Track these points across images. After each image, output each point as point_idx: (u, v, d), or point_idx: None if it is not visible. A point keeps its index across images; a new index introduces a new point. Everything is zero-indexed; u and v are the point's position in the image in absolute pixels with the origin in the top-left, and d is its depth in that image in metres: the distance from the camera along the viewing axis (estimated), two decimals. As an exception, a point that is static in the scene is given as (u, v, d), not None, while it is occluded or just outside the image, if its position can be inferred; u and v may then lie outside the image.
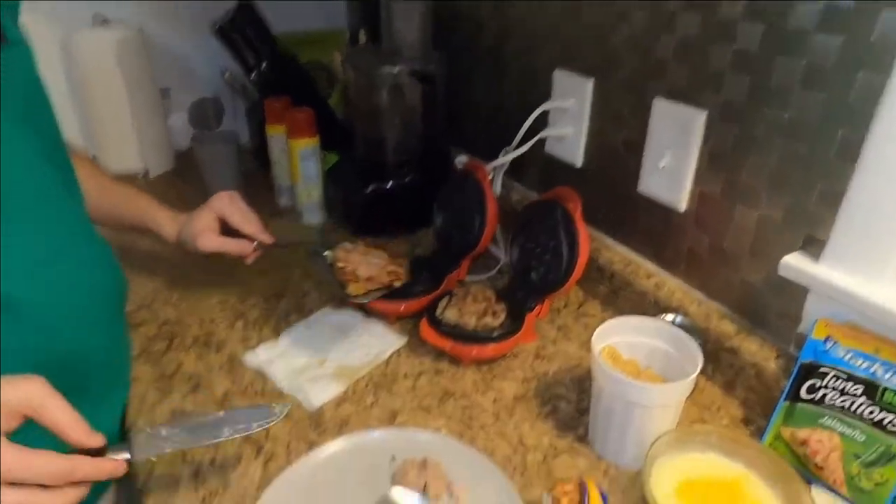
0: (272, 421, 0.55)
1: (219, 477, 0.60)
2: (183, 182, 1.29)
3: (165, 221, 0.83)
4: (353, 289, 0.64)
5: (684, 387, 0.58)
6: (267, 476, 0.60)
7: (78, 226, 0.62)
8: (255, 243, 0.82)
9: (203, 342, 0.79)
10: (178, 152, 1.39)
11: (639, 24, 0.76)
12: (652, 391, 0.58)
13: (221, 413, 0.56)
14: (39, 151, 0.57)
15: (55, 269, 0.56)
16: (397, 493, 0.57)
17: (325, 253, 0.75)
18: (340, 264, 0.68)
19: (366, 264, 0.71)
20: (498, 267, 0.99)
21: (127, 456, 0.50)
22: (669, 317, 0.73)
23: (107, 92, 1.22)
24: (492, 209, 0.87)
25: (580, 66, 0.87)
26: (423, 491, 0.58)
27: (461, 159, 1.00)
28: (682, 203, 0.75)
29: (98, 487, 0.67)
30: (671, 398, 0.59)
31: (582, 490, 0.53)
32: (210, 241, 0.80)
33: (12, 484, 0.43)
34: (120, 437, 0.66)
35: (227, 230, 0.82)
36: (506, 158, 0.96)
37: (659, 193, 0.78)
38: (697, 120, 0.71)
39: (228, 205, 0.83)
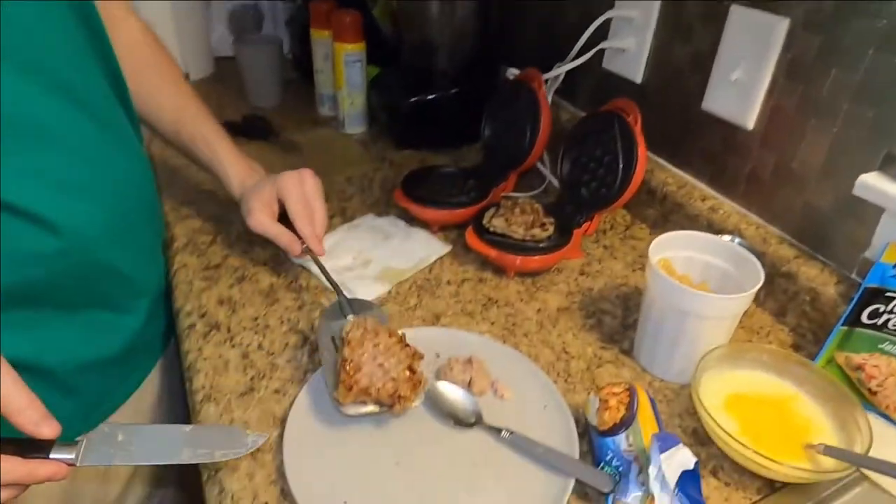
0: (240, 452, 0.47)
1: (266, 360, 0.61)
2: (223, 87, 1.27)
3: (234, 180, 0.74)
4: (341, 394, 0.50)
5: (743, 299, 0.56)
6: (313, 364, 0.61)
7: (119, 150, 0.60)
8: (305, 246, 0.69)
9: (247, 239, 0.79)
10: (217, 58, 1.36)
11: (722, -78, 0.70)
12: (709, 301, 0.56)
13: (188, 428, 0.48)
14: (87, 78, 0.56)
15: (91, 192, 0.55)
16: (443, 386, 0.58)
17: (349, 317, 0.59)
18: (346, 353, 0.52)
19: (374, 367, 0.51)
20: (544, 186, 0.96)
21: (72, 458, 0.44)
22: (726, 238, 0.71)
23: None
24: (545, 120, 0.84)
25: (650, -28, 0.81)
26: (468, 386, 0.58)
27: (512, 71, 0.96)
28: (750, 120, 0.71)
29: (144, 366, 0.68)
30: (728, 310, 0.57)
31: (631, 393, 0.53)
32: (259, 223, 0.69)
33: None
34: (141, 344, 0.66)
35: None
36: (560, 71, 0.92)
37: (725, 110, 0.74)
38: (779, 28, 0.66)
39: (295, 185, 0.70)
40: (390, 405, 0.51)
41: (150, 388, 0.70)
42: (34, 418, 0.42)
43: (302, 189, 0.70)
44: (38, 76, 0.50)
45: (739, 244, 0.67)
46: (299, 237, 0.68)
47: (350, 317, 0.58)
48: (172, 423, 0.75)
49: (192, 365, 0.61)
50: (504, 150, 0.89)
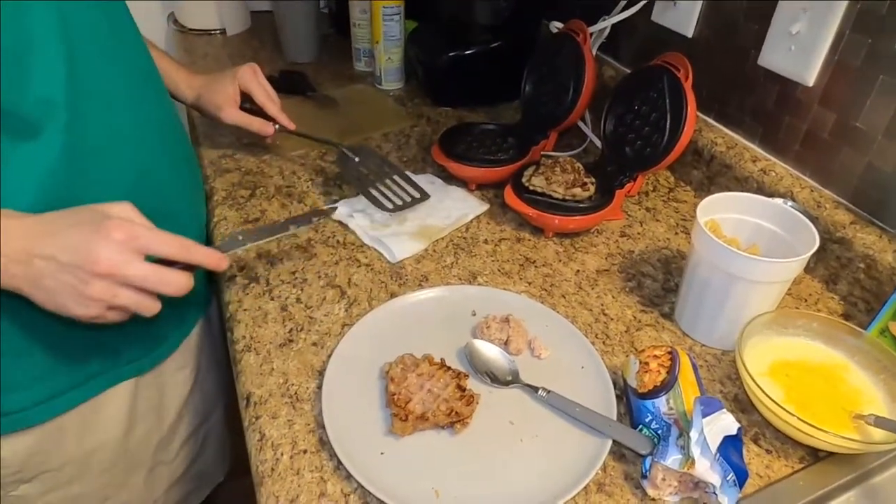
0: (327, 214, 0.66)
1: (304, 314, 0.62)
2: (259, 42, 1.26)
3: (182, 82, 0.79)
4: (398, 427, 0.49)
5: (795, 265, 0.54)
6: (350, 318, 0.61)
7: (158, 96, 0.63)
8: (277, 126, 0.81)
9: (285, 193, 0.80)
10: (253, 13, 1.35)
11: None
12: (759, 265, 0.54)
13: (282, 220, 0.62)
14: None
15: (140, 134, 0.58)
16: (479, 344, 0.57)
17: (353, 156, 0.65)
18: (392, 388, 0.51)
19: (424, 393, 0.51)
20: (584, 145, 0.94)
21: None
22: (778, 201, 0.68)
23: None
24: (589, 76, 0.81)
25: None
26: (505, 345, 0.58)
27: (556, 24, 0.92)
28: (810, 76, 0.67)
29: (193, 313, 0.70)
30: (779, 276, 0.55)
31: (673, 356, 0.52)
32: (234, 114, 0.79)
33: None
34: None
35: (245, 105, 0.81)
36: (606, 24, 0.88)
37: (783, 66, 0.70)
38: (848, -25, 0.61)
39: (252, 79, 0.80)
40: (450, 424, 0.50)
41: (193, 335, 0.73)
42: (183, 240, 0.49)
43: (258, 79, 0.80)
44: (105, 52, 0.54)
45: (792, 207, 0.64)
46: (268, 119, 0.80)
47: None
48: (213, 367, 0.79)
49: (232, 316, 0.62)
50: (545, 106, 0.86)
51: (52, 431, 0.58)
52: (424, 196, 0.76)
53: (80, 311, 0.46)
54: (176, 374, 0.71)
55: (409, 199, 0.76)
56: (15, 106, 0.47)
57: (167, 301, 0.49)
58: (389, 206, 0.74)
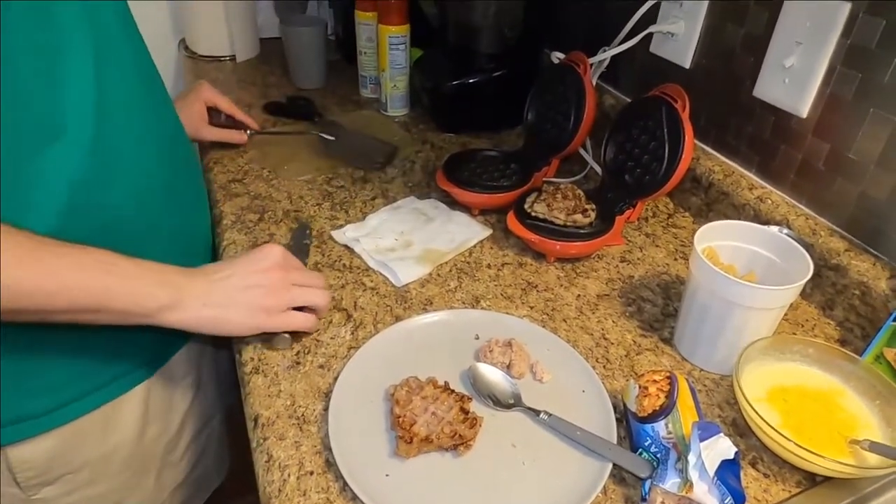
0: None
1: (311, 336, 0.63)
2: (268, 68, 1.29)
3: None
4: (402, 449, 0.50)
5: (791, 291, 0.55)
6: (356, 341, 0.63)
7: (165, 107, 0.66)
8: (249, 131, 0.94)
9: (293, 217, 0.81)
10: (263, 39, 1.38)
11: None
12: (756, 292, 0.55)
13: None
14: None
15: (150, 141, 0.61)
16: (482, 367, 0.58)
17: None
18: (397, 410, 0.52)
19: (428, 416, 0.52)
20: (585, 172, 0.96)
21: None
22: (773, 229, 0.69)
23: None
24: (590, 105, 0.83)
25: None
26: (507, 369, 0.59)
27: (557, 55, 0.95)
28: (804, 107, 0.69)
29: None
30: (775, 302, 0.57)
31: (671, 381, 0.53)
32: (211, 132, 0.90)
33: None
34: None
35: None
36: (606, 55, 0.91)
37: (778, 97, 0.72)
38: (839, 13, 0.64)
39: (215, 93, 0.90)
40: (454, 447, 0.51)
41: (194, 346, 0.76)
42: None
43: (216, 93, 0.91)
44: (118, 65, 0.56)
45: (787, 235, 0.66)
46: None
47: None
48: (213, 378, 0.82)
49: (241, 338, 0.63)
50: (547, 134, 0.89)
51: (74, 433, 0.60)
52: (391, 147, 0.97)
53: (269, 320, 0.57)
54: (182, 380, 0.74)
55: (382, 158, 0.94)
56: (49, 105, 0.49)
57: None
58: (377, 165, 0.93)
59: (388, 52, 1.04)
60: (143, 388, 0.66)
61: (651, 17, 0.87)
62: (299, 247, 0.75)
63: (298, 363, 0.60)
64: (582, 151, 0.96)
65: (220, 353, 0.84)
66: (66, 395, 0.59)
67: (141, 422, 0.67)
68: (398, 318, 0.66)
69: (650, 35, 0.87)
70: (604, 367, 0.62)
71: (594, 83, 0.96)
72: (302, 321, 0.60)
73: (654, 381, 0.53)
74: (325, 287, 0.62)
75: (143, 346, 0.65)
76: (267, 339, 0.61)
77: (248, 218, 0.81)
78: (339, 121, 1.06)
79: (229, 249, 0.75)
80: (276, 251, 0.60)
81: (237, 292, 0.56)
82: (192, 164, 0.72)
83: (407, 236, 0.77)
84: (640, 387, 0.54)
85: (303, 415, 0.55)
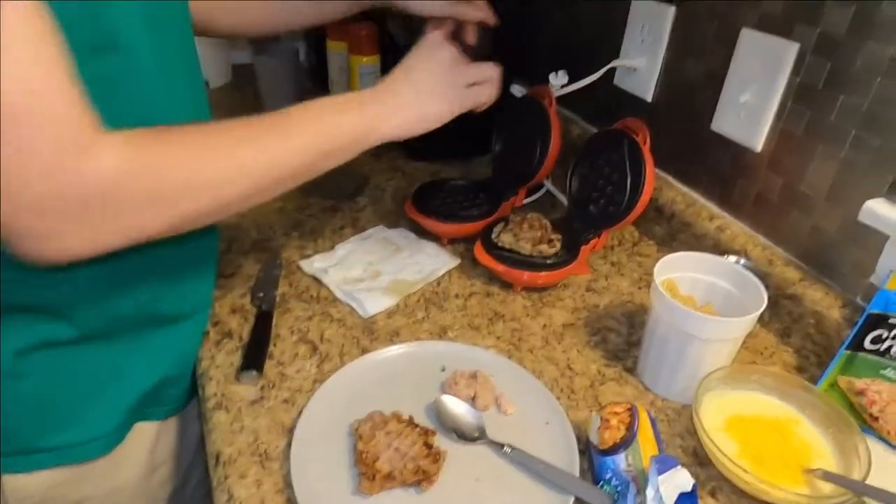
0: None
1: (276, 370, 0.63)
2: (240, 95, 1.30)
3: None
4: (365, 486, 0.49)
5: (745, 323, 0.57)
6: (321, 374, 0.63)
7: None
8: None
9: (261, 247, 0.81)
10: (235, 66, 1.39)
11: (734, -54, 0.71)
12: (712, 324, 0.57)
13: None
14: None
15: None
16: (447, 400, 0.59)
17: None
18: (360, 446, 0.52)
19: (391, 452, 0.52)
20: (552, 201, 0.97)
21: None
22: (731, 259, 0.71)
23: None
24: (555, 137, 0.85)
25: (662, -8, 0.82)
26: (472, 401, 0.59)
27: (519, 88, 0.97)
28: (758, 142, 0.72)
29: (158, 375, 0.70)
30: (730, 333, 0.58)
31: (632, 413, 0.54)
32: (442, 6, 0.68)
33: None
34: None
35: None
36: (570, 89, 0.93)
37: (734, 132, 0.75)
38: (788, 53, 0.67)
39: None
40: (417, 483, 0.51)
41: None
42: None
43: None
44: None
45: (744, 266, 0.68)
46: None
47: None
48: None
49: (204, 372, 0.63)
50: (514, 164, 0.90)
51: (76, 470, 0.59)
52: (361, 176, 0.98)
53: (457, 99, 0.61)
54: (195, 423, 0.71)
55: (352, 188, 0.95)
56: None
57: None
58: (347, 194, 0.93)
59: (359, 80, 1.06)
60: (153, 428, 0.65)
61: (615, 50, 0.90)
62: (269, 278, 0.74)
63: (263, 398, 0.60)
64: (547, 183, 0.98)
65: None
66: (76, 435, 0.57)
67: (148, 463, 0.65)
68: (365, 351, 0.66)
69: (614, 68, 0.90)
70: (568, 397, 0.63)
71: (559, 113, 0.99)
72: (490, 93, 0.64)
73: (616, 413, 0.54)
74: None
75: (162, 401, 0.64)
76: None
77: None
78: (311, 149, 1.07)
79: (195, 281, 0.75)
80: (435, 36, 0.62)
81: (421, 86, 0.60)
82: None
83: (375, 266, 0.78)
84: (601, 419, 0.54)
85: (265, 451, 0.54)
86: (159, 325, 0.61)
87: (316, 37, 1.25)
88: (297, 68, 1.23)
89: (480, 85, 0.63)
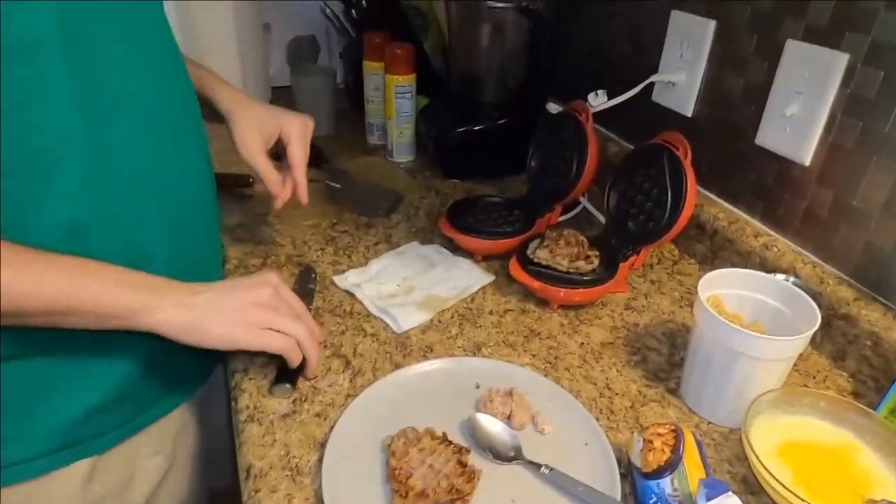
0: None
1: (308, 384, 0.62)
2: (278, 116, 1.32)
3: (224, 89, 0.73)
4: (397, 503, 0.48)
5: (798, 342, 0.54)
6: (354, 389, 0.62)
7: (178, 138, 0.62)
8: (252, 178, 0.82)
9: (296, 262, 0.81)
10: (275, 88, 1.42)
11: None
12: (761, 342, 0.54)
13: None
14: (155, 65, 0.58)
15: (149, 179, 0.57)
16: (482, 418, 0.57)
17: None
18: (393, 463, 0.51)
19: (425, 469, 0.50)
20: (589, 218, 0.95)
21: None
22: (779, 277, 0.68)
23: (213, 22, 1.25)
24: (592, 153, 0.84)
25: (702, 4, 0.81)
26: (508, 419, 0.58)
27: (554, 105, 0.96)
28: (806, 156, 0.69)
29: (170, 396, 0.69)
30: (781, 353, 0.55)
31: (677, 435, 0.51)
32: (251, 154, 0.71)
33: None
34: None
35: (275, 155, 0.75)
36: (607, 105, 0.92)
37: (780, 146, 0.73)
38: (837, 64, 0.64)
39: (300, 131, 0.73)
40: (451, 502, 0.49)
41: (174, 419, 0.70)
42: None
43: (305, 136, 0.73)
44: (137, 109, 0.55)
45: (794, 283, 0.65)
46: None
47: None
48: (190, 461, 0.73)
49: (237, 385, 0.62)
50: (550, 181, 0.89)
51: None
52: (396, 194, 0.97)
53: (245, 333, 0.54)
54: (148, 458, 0.65)
55: (386, 206, 0.94)
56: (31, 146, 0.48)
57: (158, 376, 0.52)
58: (381, 212, 0.93)
59: (394, 100, 1.06)
60: (86, 465, 0.59)
61: (653, 65, 0.89)
62: (304, 290, 0.74)
63: (295, 411, 0.59)
64: (583, 199, 0.97)
65: (209, 428, 0.76)
66: None
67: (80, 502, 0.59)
68: (398, 366, 0.64)
69: (652, 84, 0.89)
70: (608, 418, 0.60)
71: (595, 130, 0.97)
72: (280, 343, 0.56)
73: (659, 434, 0.52)
74: (310, 324, 0.60)
75: (96, 431, 0.59)
76: (274, 377, 0.61)
77: (252, 263, 0.81)
78: (346, 167, 1.07)
79: (231, 294, 0.75)
80: (271, 275, 0.59)
81: (219, 302, 0.54)
82: (213, 200, 0.69)
83: (409, 282, 0.77)
84: (644, 440, 0.52)
85: (297, 466, 0.54)
86: (93, 345, 0.56)
87: (353, 57, 1.27)
88: (335, 89, 1.25)
89: (282, 335, 0.56)
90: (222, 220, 0.90)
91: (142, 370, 0.61)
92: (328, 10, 1.29)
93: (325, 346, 0.67)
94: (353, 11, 1.21)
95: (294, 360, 0.58)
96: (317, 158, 1.09)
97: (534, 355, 0.68)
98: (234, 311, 0.54)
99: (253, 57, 1.32)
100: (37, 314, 0.48)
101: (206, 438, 0.75)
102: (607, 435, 0.56)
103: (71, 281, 0.48)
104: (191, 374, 0.71)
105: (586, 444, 0.56)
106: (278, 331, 0.56)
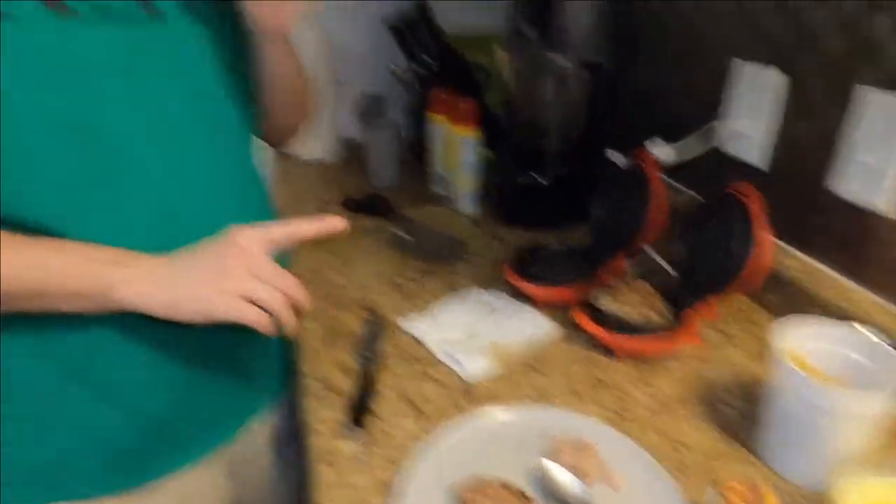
0: None
1: (377, 428, 0.63)
2: (347, 167, 1.38)
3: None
4: None
5: (886, 398, 0.52)
6: (421, 433, 0.62)
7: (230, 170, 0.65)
8: None
9: (361, 306, 0.84)
10: (342, 140, 1.49)
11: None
12: (845, 398, 0.52)
13: None
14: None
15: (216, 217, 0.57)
16: (552, 467, 0.56)
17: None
18: None
19: None
20: (654, 268, 0.94)
21: None
22: (861, 328, 0.65)
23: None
24: (660, 203, 0.84)
25: (764, 52, 0.81)
26: (578, 471, 0.57)
27: (616, 154, 0.97)
28: (883, 203, 0.67)
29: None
30: (869, 409, 0.53)
31: (755, 494, 0.49)
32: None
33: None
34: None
35: None
36: (673, 159, 0.92)
37: (857, 195, 0.71)
38: (915, 111, 0.63)
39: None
40: None
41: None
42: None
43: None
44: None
45: (876, 335, 0.62)
46: None
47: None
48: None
49: (309, 426, 0.64)
50: (614, 230, 0.89)
51: None
52: (460, 242, 1.00)
53: (222, 301, 0.50)
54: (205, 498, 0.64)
55: (450, 253, 0.97)
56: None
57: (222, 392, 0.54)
58: (446, 260, 0.96)
59: (458, 151, 1.10)
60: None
61: (714, 113, 0.89)
62: (373, 336, 0.76)
63: (365, 455, 0.60)
64: (648, 249, 0.96)
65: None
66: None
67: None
68: (464, 412, 0.65)
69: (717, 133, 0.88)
70: (680, 472, 0.58)
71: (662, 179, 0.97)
72: (254, 316, 0.51)
73: (736, 490, 0.50)
74: (295, 294, 0.54)
75: (69, 482, 0.57)
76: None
77: (319, 305, 0.84)
78: (412, 216, 1.11)
79: (304, 336, 0.78)
80: (243, 233, 0.52)
81: (190, 270, 0.51)
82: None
83: (474, 328, 0.78)
84: (720, 495, 0.50)
85: (367, 509, 0.54)
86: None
87: (417, 111, 1.33)
88: (399, 141, 1.30)
89: (257, 309, 0.51)
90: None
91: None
92: (395, 67, 1.36)
93: (393, 390, 0.69)
94: (419, 69, 1.28)
95: (268, 332, 0.52)
96: (384, 208, 1.14)
97: (601, 405, 0.67)
98: (203, 281, 0.50)
99: (327, 111, 1.39)
100: (11, 296, 0.48)
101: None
102: (682, 491, 0.54)
103: (40, 261, 0.48)
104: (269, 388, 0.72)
105: (659, 499, 0.54)
106: (256, 301, 0.51)
